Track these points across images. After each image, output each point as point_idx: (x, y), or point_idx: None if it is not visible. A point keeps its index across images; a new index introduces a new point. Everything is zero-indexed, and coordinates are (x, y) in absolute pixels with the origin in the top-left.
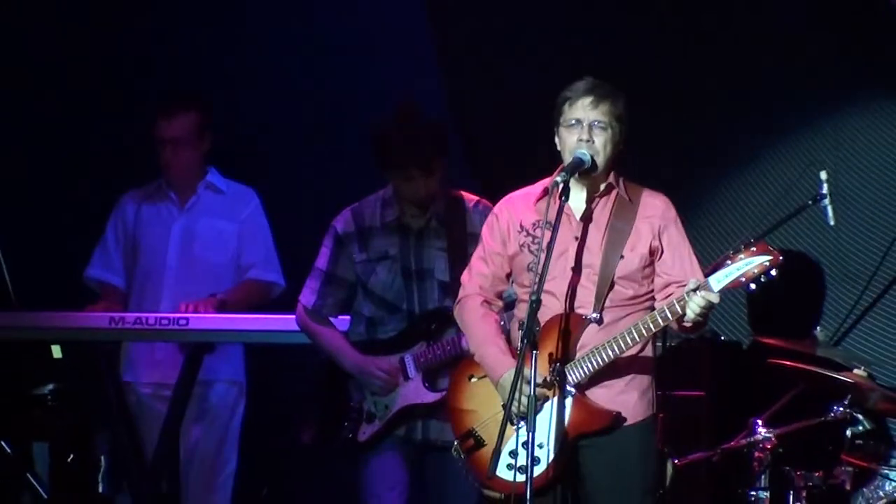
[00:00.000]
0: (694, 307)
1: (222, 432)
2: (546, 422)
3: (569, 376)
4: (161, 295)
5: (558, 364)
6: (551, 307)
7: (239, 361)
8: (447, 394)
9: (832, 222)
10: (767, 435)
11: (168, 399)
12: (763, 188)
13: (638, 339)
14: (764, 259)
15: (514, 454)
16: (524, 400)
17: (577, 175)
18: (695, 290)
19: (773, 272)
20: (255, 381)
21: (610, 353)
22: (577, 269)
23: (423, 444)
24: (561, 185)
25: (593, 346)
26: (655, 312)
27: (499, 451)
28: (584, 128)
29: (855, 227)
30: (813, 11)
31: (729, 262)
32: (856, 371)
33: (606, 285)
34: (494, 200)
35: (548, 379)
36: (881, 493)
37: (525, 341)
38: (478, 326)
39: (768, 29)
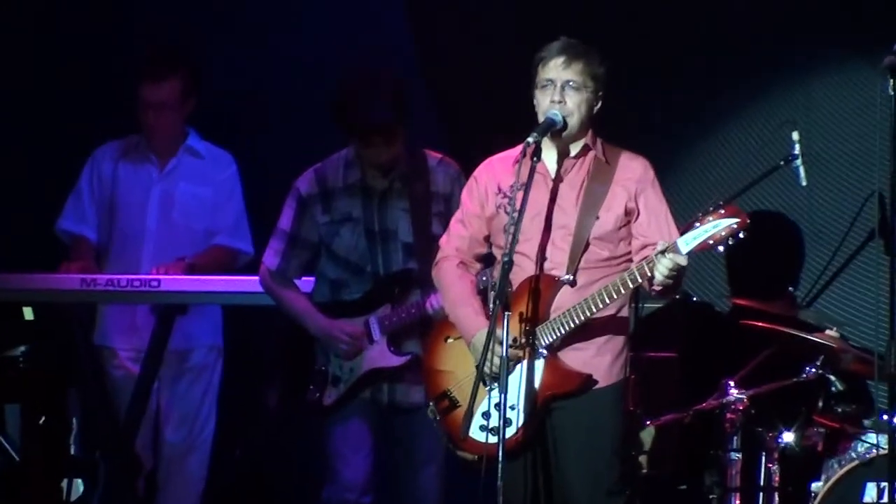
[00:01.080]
0: (662, 269)
1: (201, 393)
2: (518, 384)
3: (541, 338)
4: (140, 260)
5: (529, 325)
6: (526, 268)
7: (218, 325)
8: (422, 354)
9: (804, 183)
10: (740, 396)
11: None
12: (735, 149)
13: (608, 301)
14: (732, 221)
15: (486, 416)
16: (496, 360)
17: (550, 136)
18: (663, 252)
19: (742, 234)
20: (228, 343)
21: (581, 314)
22: (551, 229)
23: (389, 406)
24: (532, 146)
25: (566, 308)
26: (625, 274)
27: (471, 413)
28: (556, 88)
29: (827, 188)
30: None
31: (698, 224)
32: (828, 332)
33: (581, 246)
34: (464, 162)
35: (519, 340)
36: (852, 455)
37: (497, 302)
38: (453, 287)
39: None
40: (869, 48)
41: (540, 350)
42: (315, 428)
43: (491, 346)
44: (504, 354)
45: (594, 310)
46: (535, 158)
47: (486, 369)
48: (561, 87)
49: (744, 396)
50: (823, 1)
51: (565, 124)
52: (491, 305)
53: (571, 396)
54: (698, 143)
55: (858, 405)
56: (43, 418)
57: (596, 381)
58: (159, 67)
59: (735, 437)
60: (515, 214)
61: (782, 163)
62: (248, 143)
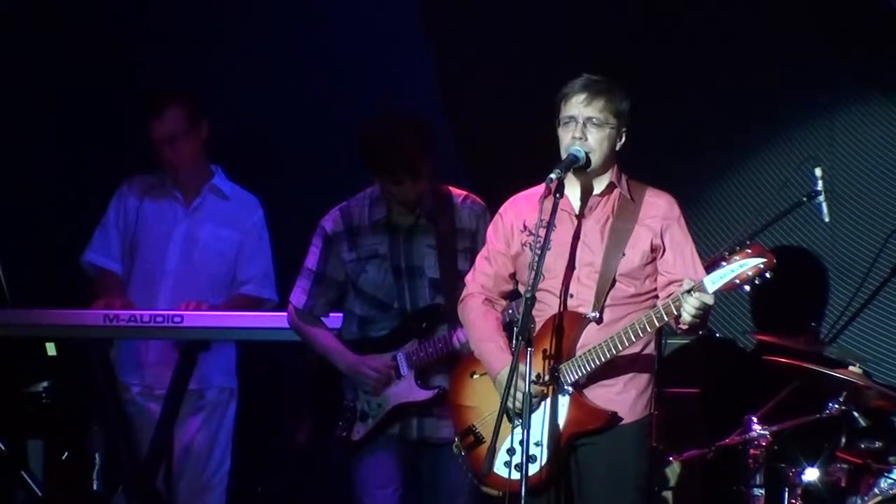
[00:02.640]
0: (689, 308)
1: (215, 431)
2: (543, 420)
3: (567, 375)
4: (157, 298)
5: (553, 362)
6: (551, 305)
7: (231, 368)
8: (449, 390)
9: (827, 219)
10: (763, 432)
11: (159, 399)
12: (758, 185)
13: (634, 339)
14: (758, 261)
15: (511, 451)
16: (519, 396)
17: (573, 172)
18: (689, 292)
19: (769, 275)
20: (249, 380)
21: (607, 352)
22: (576, 266)
23: (418, 442)
24: (555, 182)
25: (592, 345)
26: (651, 312)
27: (494, 449)
28: (578, 125)
29: (850, 224)
30: (810, 10)
31: (724, 262)
32: (851, 368)
33: (607, 283)
34: (488, 199)
35: (543, 377)
36: (876, 491)
37: (520, 339)
38: (478, 324)
39: (765, 27)
40: (890, 84)
41: (565, 387)
42: (342, 464)
43: (514, 382)
44: (527, 390)
45: (620, 348)
46: (557, 195)
47: (510, 405)
48: (583, 124)
49: (767, 432)
50: (845, 37)
51: (588, 161)
52: (514, 342)
53: (596, 433)
54: (721, 180)
55: (882, 441)
56: (66, 454)
57: (621, 419)
58: (158, 101)
59: (758, 473)
60: (539, 251)
61: (805, 199)
62: (269, 183)
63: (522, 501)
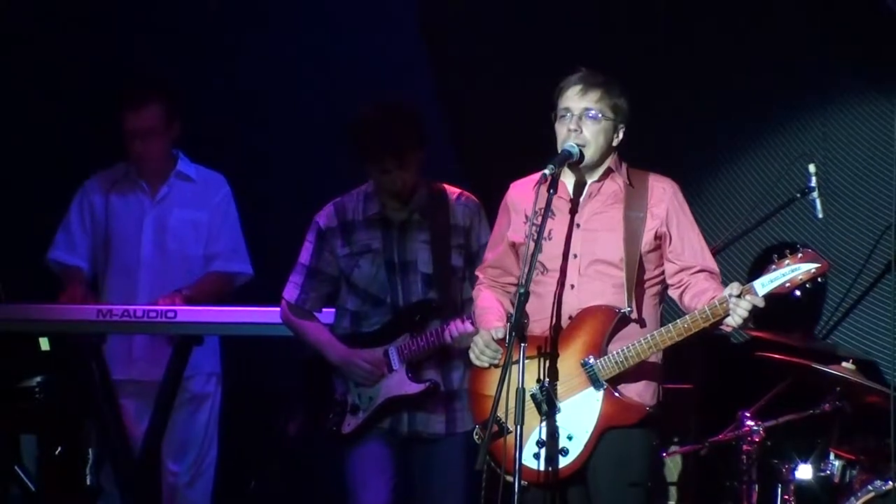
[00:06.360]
0: (742, 312)
1: (204, 421)
2: (578, 413)
3: (602, 370)
4: (137, 289)
5: (582, 357)
6: (569, 302)
7: (216, 352)
8: (469, 378)
9: (821, 215)
10: (756, 428)
11: (141, 395)
12: (752, 181)
13: (676, 338)
14: (812, 266)
15: (540, 444)
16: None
17: (567, 167)
18: (739, 296)
19: (820, 279)
20: (239, 374)
21: (647, 349)
22: (578, 257)
23: (409, 436)
24: (549, 178)
25: (628, 342)
26: (696, 312)
27: (486, 445)
28: (573, 117)
29: (843, 221)
30: (807, 9)
31: (774, 266)
32: (844, 364)
33: (633, 276)
34: (485, 199)
35: (544, 382)
36: (869, 487)
37: (513, 334)
38: (478, 304)
39: (760, 25)
40: (885, 81)
41: (601, 381)
42: (333, 459)
43: (506, 384)
44: (520, 385)
45: (661, 345)
46: (551, 190)
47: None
48: (578, 117)
49: (760, 428)
50: (839, 34)
51: (582, 156)
52: (519, 339)
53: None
54: (715, 176)
55: (875, 437)
56: (59, 448)
57: (655, 414)
58: (138, 95)
59: (752, 469)
60: (532, 245)
61: (799, 195)
62: (267, 182)
63: (516, 497)
